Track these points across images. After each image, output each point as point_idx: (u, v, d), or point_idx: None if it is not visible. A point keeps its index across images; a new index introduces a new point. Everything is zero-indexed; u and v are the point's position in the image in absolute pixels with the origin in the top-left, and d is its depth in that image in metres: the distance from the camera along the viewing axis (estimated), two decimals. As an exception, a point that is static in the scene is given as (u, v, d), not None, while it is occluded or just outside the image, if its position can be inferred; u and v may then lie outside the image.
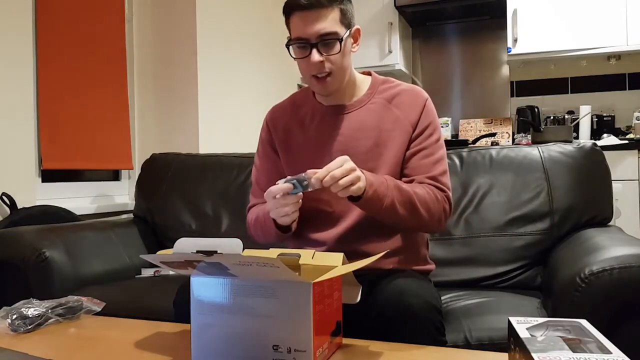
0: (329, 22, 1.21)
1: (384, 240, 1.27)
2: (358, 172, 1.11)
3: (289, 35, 1.28)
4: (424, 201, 1.21)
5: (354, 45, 1.31)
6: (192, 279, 0.91)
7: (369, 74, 1.40)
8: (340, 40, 1.22)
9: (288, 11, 1.25)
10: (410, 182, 1.26)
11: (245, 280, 0.88)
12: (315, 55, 1.21)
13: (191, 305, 0.92)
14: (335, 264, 0.98)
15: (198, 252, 0.87)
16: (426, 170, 1.27)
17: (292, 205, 1.15)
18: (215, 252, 0.86)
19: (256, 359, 0.87)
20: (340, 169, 1.08)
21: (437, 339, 1.06)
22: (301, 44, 1.23)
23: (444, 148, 1.32)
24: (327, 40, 1.22)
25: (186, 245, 0.91)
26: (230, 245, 0.88)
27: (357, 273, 1.02)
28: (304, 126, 1.37)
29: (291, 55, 1.27)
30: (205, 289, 0.90)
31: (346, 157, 1.11)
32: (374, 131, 1.29)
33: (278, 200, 1.13)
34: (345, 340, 1.00)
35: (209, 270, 0.88)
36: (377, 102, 1.33)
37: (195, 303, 0.91)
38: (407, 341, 1.00)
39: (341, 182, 1.07)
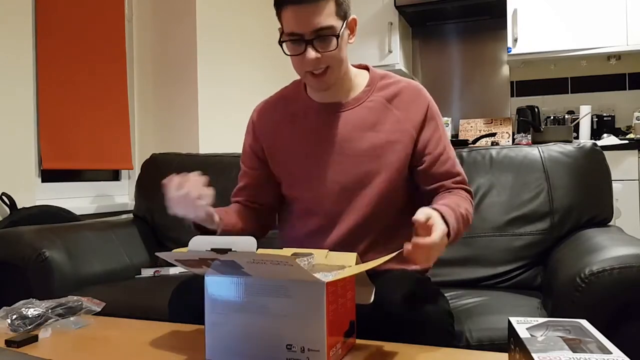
0: (324, 16, 1.11)
1: (383, 242, 1.25)
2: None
3: (280, 27, 1.18)
4: (471, 213, 1.20)
5: (351, 36, 1.22)
6: (206, 277, 0.91)
7: (367, 67, 1.32)
8: (337, 35, 1.14)
9: (279, 3, 1.15)
10: (439, 188, 1.24)
11: (259, 279, 0.87)
12: (311, 53, 1.13)
13: (205, 304, 0.91)
14: (348, 264, 0.98)
15: (212, 249, 0.86)
16: (450, 174, 1.25)
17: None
18: (230, 249, 0.85)
19: (270, 358, 0.87)
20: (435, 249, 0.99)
21: (449, 344, 1.05)
22: (295, 40, 1.15)
23: (450, 143, 1.30)
24: (323, 36, 1.13)
25: (201, 244, 0.90)
26: (244, 243, 0.87)
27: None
28: (294, 124, 1.29)
29: (285, 52, 1.18)
30: (219, 287, 0.90)
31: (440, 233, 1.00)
32: (372, 131, 1.23)
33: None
34: (359, 341, 0.99)
35: (223, 269, 0.88)
36: (376, 100, 1.26)
37: (209, 301, 0.91)
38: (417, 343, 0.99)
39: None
